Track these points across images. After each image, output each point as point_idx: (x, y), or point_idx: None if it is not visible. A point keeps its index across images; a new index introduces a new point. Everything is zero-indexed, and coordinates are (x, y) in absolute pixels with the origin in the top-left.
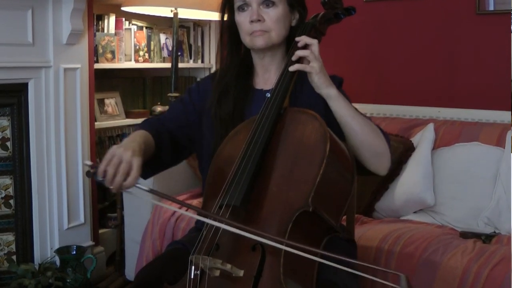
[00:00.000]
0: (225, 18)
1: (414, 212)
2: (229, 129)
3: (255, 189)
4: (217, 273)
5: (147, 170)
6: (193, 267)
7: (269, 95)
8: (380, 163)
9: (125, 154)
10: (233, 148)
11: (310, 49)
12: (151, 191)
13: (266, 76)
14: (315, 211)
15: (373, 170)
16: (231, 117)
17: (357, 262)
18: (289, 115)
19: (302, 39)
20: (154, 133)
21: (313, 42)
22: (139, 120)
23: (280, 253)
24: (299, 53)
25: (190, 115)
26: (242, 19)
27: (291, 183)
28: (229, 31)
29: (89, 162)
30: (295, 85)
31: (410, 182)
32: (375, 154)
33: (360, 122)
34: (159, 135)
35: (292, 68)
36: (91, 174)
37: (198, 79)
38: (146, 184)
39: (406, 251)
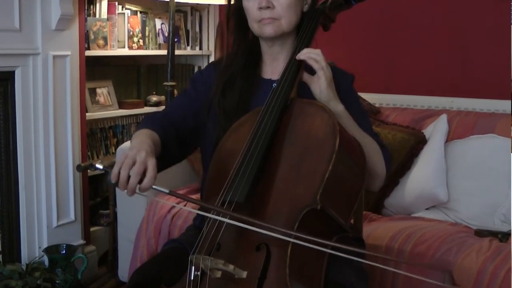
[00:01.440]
0: (232, 2)
1: (426, 209)
2: (233, 120)
3: (260, 185)
4: (219, 274)
5: None
6: (193, 267)
7: (275, 85)
8: (372, 183)
9: (139, 155)
10: (236, 141)
11: (319, 63)
12: (171, 192)
13: (274, 65)
14: (324, 209)
15: (365, 188)
16: (236, 108)
17: (376, 254)
18: (296, 107)
19: (305, 53)
20: (159, 131)
21: (317, 56)
22: (133, 111)
23: (286, 253)
24: (309, 62)
25: (195, 105)
26: (251, 5)
27: (298, 179)
28: (236, 16)
29: (100, 166)
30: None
31: (422, 177)
32: (370, 175)
33: (361, 142)
34: (164, 132)
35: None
36: (110, 182)
37: (196, 68)
38: None
39: (418, 250)
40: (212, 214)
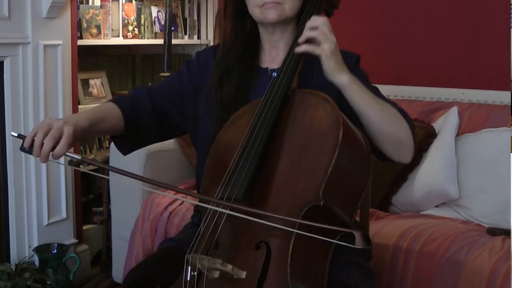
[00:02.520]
0: None
1: (436, 206)
2: (231, 112)
3: (259, 181)
4: (216, 274)
5: (124, 144)
6: (189, 267)
7: (275, 75)
8: (402, 153)
9: (56, 122)
10: (234, 134)
11: (320, 29)
12: (84, 159)
13: (274, 53)
14: (326, 206)
15: (396, 160)
16: (233, 100)
17: None
18: (297, 98)
19: (310, 22)
20: (124, 106)
21: (322, 21)
22: None
23: (287, 252)
24: (307, 34)
25: (184, 89)
26: None
27: (300, 174)
28: (234, 3)
29: (14, 133)
30: (305, 64)
31: (432, 173)
32: (397, 144)
33: (378, 110)
34: (134, 108)
35: (298, 50)
36: (23, 148)
37: None
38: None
39: (427, 249)
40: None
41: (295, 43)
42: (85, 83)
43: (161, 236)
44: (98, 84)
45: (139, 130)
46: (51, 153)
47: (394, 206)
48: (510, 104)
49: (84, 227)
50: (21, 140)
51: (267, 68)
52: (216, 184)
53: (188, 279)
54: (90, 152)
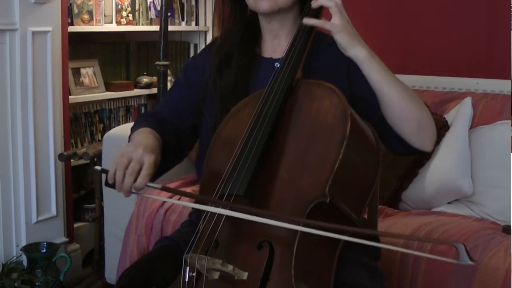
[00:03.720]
0: None
1: (448, 203)
2: (231, 104)
3: (262, 176)
4: (216, 275)
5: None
6: (187, 268)
7: (278, 65)
8: (425, 137)
9: (135, 152)
10: (235, 128)
11: (333, 1)
12: (163, 188)
13: (275, 43)
14: (333, 203)
15: (418, 147)
16: (233, 90)
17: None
18: (302, 89)
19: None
20: (159, 130)
21: None
22: (121, 94)
23: (291, 252)
24: (319, 2)
25: (189, 98)
26: None
27: (305, 169)
28: None
29: (98, 168)
30: (310, 53)
31: (444, 167)
32: (419, 126)
33: (399, 89)
34: (164, 132)
35: (307, 21)
36: (107, 183)
37: (192, 45)
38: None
39: (439, 249)
40: (210, 207)
41: (300, 30)
42: (76, 72)
43: (156, 235)
44: (90, 73)
45: (165, 156)
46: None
47: (404, 203)
48: None
49: (75, 225)
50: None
51: (269, 58)
52: (216, 180)
53: (187, 280)
54: (82, 145)
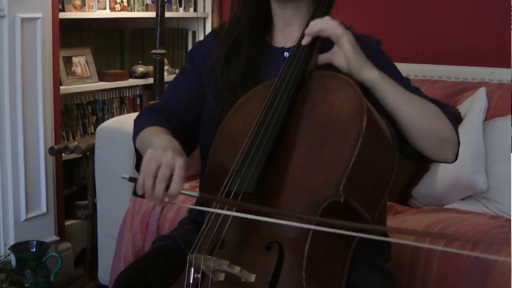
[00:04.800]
0: None
1: (462, 199)
2: (238, 95)
3: (271, 173)
4: (222, 277)
5: None
6: (192, 268)
7: (288, 55)
8: (445, 152)
9: (164, 156)
10: (243, 120)
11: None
12: (201, 196)
13: (288, 31)
14: (347, 202)
15: (438, 160)
16: (242, 79)
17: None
18: (315, 80)
19: (310, 30)
20: (170, 128)
21: (323, 26)
22: (115, 84)
23: (302, 254)
24: (310, 31)
25: (198, 88)
26: None
27: (318, 167)
28: None
29: (126, 176)
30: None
31: (456, 162)
32: (439, 142)
33: (415, 107)
34: (174, 129)
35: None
36: (136, 194)
37: (190, 33)
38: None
39: (451, 248)
40: (215, 207)
41: (310, 19)
42: (68, 61)
43: (153, 233)
44: (82, 62)
45: None
46: (165, 193)
47: (414, 199)
48: None
49: (67, 223)
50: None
51: (281, 47)
52: (222, 176)
53: (191, 282)
54: (73, 138)
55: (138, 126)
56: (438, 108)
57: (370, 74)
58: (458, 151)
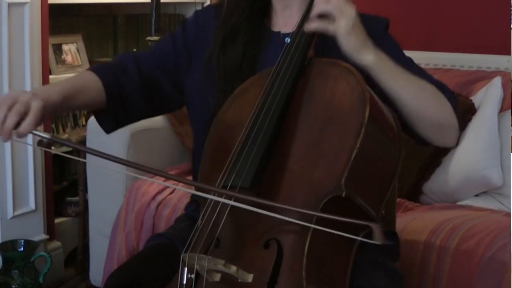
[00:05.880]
0: None
1: (475, 196)
2: (236, 84)
3: (269, 167)
4: (217, 277)
5: (108, 121)
6: (185, 268)
7: (288, 40)
8: (445, 137)
9: (22, 95)
10: (240, 111)
11: (333, 2)
12: (53, 139)
13: (287, 15)
14: (349, 197)
15: (439, 145)
16: (239, 69)
17: None
18: (315, 68)
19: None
20: (105, 75)
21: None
22: None
23: (302, 252)
24: (318, 8)
25: (179, 54)
26: None
27: (318, 160)
28: None
29: None
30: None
31: (470, 156)
32: (438, 127)
33: (414, 92)
34: (117, 79)
35: (309, 27)
36: None
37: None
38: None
39: (465, 247)
40: (209, 203)
41: (311, 4)
42: (58, 48)
43: (148, 231)
44: (72, 50)
45: (125, 104)
46: (15, 130)
47: (425, 196)
48: None
49: (56, 221)
50: None
51: (279, 32)
52: (217, 171)
53: (184, 282)
54: (64, 131)
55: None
56: (439, 92)
57: (367, 57)
58: (459, 136)
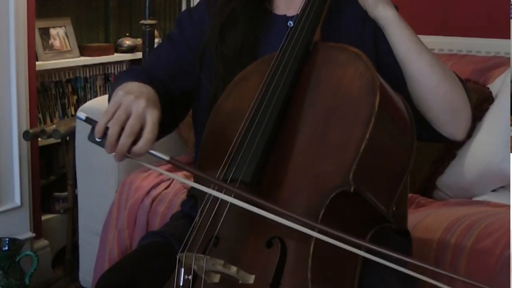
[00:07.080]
0: None
1: (493, 191)
2: (235, 72)
3: (272, 160)
4: (217, 278)
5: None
6: (182, 269)
7: (292, 24)
8: (457, 122)
9: (135, 104)
10: (240, 100)
11: None
12: (172, 160)
13: None
14: (358, 192)
15: (447, 134)
16: (239, 55)
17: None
18: (321, 53)
19: None
20: (151, 85)
21: None
22: (99, 59)
23: (307, 252)
24: None
25: (187, 58)
26: None
27: (324, 152)
28: None
29: (82, 115)
30: (330, 11)
31: (487, 148)
32: (451, 109)
33: (430, 61)
34: (155, 89)
35: None
36: (93, 139)
37: (183, 1)
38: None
39: (481, 246)
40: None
41: None
42: (45, 33)
43: (141, 229)
44: (61, 34)
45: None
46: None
47: (439, 191)
48: None
49: (43, 218)
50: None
51: (283, 15)
52: (216, 164)
53: (181, 284)
54: (51, 121)
55: (115, 85)
56: (452, 72)
57: (388, 12)
58: (468, 127)
